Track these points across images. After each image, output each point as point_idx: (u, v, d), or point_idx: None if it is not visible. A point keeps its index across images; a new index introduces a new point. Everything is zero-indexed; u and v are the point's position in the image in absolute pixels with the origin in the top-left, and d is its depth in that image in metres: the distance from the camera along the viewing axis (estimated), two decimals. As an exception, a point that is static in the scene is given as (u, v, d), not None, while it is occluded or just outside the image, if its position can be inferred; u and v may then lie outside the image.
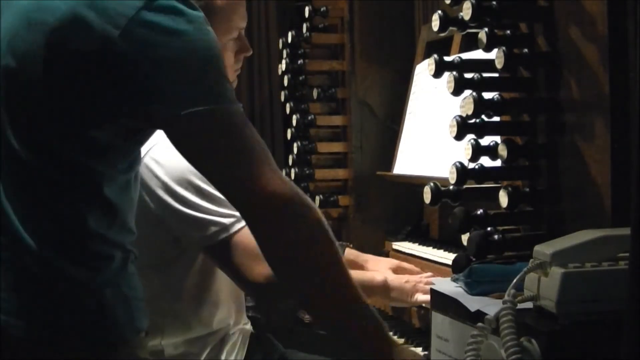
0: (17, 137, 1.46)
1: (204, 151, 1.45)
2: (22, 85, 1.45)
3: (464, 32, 1.68)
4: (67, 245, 1.46)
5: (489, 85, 1.61)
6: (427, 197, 1.65)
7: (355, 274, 2.24)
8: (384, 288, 2.09)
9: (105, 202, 1.50)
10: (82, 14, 1.40)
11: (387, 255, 2.62)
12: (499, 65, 1.58)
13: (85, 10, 1.40)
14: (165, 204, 1.92)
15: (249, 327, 2.19)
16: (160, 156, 1.88)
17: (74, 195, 1.47)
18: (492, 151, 1.60)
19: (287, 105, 3.06)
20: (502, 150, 1.59)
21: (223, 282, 2.11)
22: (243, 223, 1.94)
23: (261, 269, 1.91)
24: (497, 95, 1.59)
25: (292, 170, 3.02)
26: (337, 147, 3.03)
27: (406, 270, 2.28)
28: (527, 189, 1.61)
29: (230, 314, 2.13)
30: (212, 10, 1.94)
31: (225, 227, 1.91)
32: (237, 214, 1.95)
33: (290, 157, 3.04)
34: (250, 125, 1.47)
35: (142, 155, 1.68)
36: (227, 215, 1.91)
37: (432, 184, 1.63)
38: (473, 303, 1.34)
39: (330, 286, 1.51)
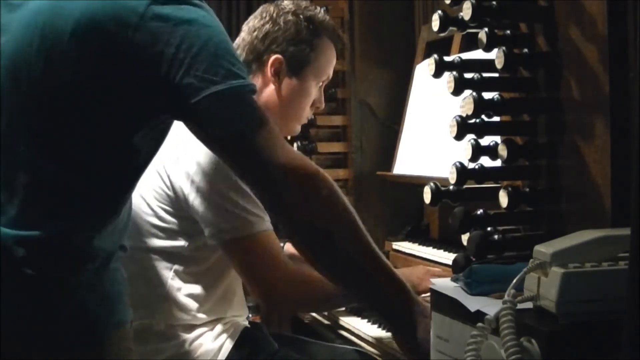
0: (26, 141, 1.47)
1: (221, 132, 1.49)
2: (40, 93, 1.47)
3: (464, 32, 1.68)
4: (51, 247, 1.47)
5: (489, 85, 1.61)
6: (427, 197, 1.65)
7: None
8: None
9: (105, 215, 1.52)
10: (96, 18, 1.42)
11: (387, 255, 2.62)
12: (499, 65, 1.58)
13: (98, 14, 1.42)
14: (200, 191, 1.96)
15: (244, 321, 2.20)
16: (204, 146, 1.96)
17: (76, 203, 1.49)
18: (492, 151, 1.60)
19: (287, 105, 3.05)
20: (502, 150, 1.59)
21: (234, 279, 2.13)
22: (268, 226, 1.99)
23: (276, 278, 1.94)
24: (497, 95, 1.59)
25: (292, 170, 3.02)
26: (337, 147, 3.03)
27: None
28: (527, 189, 1.60)
29: (229, 307, 2.14)
30: (308, 59, 2.08)
31: (251, 224, 1.95)
32: (266, 216, 2.00)
33: (290, 157, 3.03)
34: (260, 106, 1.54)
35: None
36: (254, 215, 1.96)
37: (432, 184, 1.63)
38: (473, 303, 1.34)
39: (352, 248, 1.58)
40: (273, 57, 2.14)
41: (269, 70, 2.15)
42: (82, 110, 1.46)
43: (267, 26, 2.16)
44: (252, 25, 2.19)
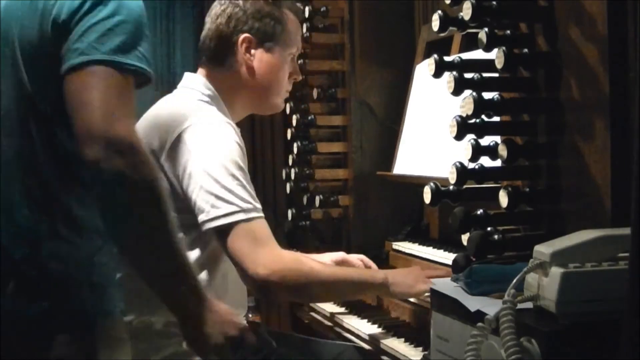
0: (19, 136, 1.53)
1: (82, 99, 1.50)
2: (16, 85, 1.55)
3: (464, 32, 1.68)
4: (39, 238, 1.52)
5: (489, 85, 1.61)
6: (427, 197, 1.65)
7: (354, 271, 2.25)
8: (385, 284, 2.10)
9: (82, 189, 1.56)
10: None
11: (387, 255, 2.62)
12: (499, 65, 1.58)
13: None
14: (193, 178, 1.97)
15: (243, 320, 2.20)
16: (197, 135, 1.98)
17: (52, 178, 1.54)
18: (492, 151, 1.60)
19: (287, 105, 3.05)
20: (502, 150, 1.59)
21: (229, 276, 2.13)
22: (260, 213, 2.00)
23: (267, 261, 1.95)
24: (497, 95, 1.60)
25: (292, 170, 3.02)
26: (337, 147, 3.03)
27: (351, 263, 2.34)
28: (527, 189, 1.61)
29: (228, 304, 2.14)
30: (275, 31, 2.20)
31: (243, 210, 1.96)
32: (257, 204, 2.01)
33: (290, 157, 3.04)
34: (131, 86, 1.55)
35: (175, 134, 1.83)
36: (247, 202, 1.97)
37: (432, 184, 1.63)
38: (473, 303, 1.34)
39: (157, 239, 1.58)
40: (242, 36, 2.19)
41: (240, 51, 2.19)
42: (46, 93, 1.53)
43: (229, 9, 2.22)
44: (214, 14, 2.24)
